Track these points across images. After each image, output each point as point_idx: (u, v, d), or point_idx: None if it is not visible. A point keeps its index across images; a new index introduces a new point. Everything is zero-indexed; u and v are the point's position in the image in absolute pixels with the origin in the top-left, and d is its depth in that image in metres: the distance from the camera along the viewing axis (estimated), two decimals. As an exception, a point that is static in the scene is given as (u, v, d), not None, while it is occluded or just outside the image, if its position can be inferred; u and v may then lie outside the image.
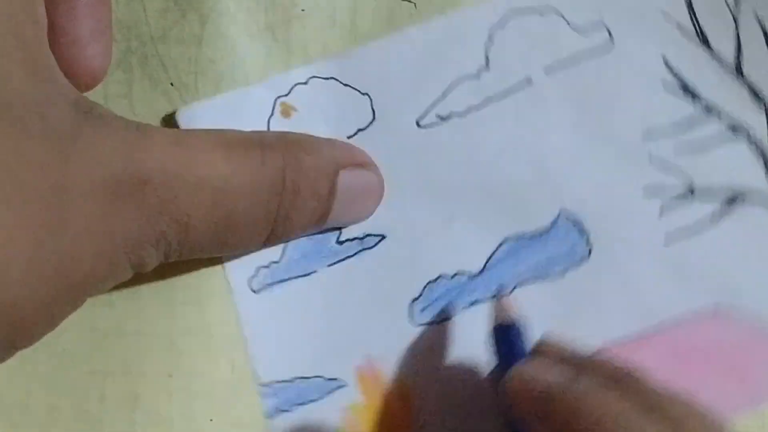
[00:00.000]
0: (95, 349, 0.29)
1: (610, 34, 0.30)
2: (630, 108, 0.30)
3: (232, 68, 0.30)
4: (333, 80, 0.30)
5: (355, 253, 0.30)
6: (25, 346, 0.23)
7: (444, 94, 0.30)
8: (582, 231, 0.30)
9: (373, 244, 0.30)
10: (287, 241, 0.30)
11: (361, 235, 0.30)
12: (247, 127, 0.29)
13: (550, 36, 0.30)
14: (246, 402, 0.29)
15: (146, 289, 0.29)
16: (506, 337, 0.28)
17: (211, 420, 0.29)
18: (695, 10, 0.29)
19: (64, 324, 0.24)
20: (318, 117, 0.30)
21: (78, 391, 0.29)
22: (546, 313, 0.29)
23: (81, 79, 0.27)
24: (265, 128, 0.30)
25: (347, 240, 0.30)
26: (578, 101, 0.30)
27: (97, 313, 0.29)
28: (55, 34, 0.26)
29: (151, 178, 0.24)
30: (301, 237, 0.30)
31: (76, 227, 0.23)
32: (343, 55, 0.30)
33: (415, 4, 0.30)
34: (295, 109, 0.30)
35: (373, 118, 0.30)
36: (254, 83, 0.30)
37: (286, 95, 0.30)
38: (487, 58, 0.30)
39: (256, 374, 0.29)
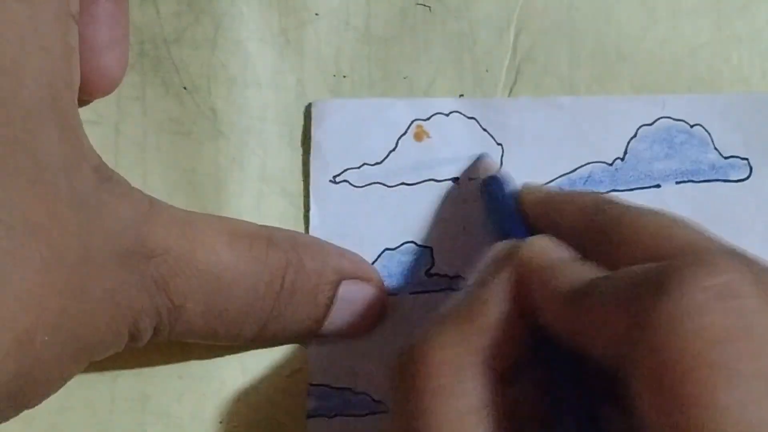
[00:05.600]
0: None
1: (750, 165, 0.30)
2: (758, 242, 0.30)
3: (244, 72, 0.30)
4: (474, 121, 0.30)
5: (441, 290, 0.30)
6: (33, 407, 0.24)
7: (575, 170, 0.30)
8: None
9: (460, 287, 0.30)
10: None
11: (452, 274, 0.30)
12: (376, 138, 0.30)
13: (691, 148, 0.30)
14: (255, 404, 0.29)
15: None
16: (495, 188, 0.29)
17: (220, 422, 0.29)
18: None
19: None
20: (447, 151, 0.30)
21: (88, 392, 0.29)
22: None
23: (97, 86, 0.28)
24: (393, 145, 0.30)
25: (437, 275, 0.30)
26: (701, 219, 0.30)
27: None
28: None
29: (155, 253, 0.24)
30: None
31: (94, 295, 0.23)
32: (491, 100, 0.30)
33: (430, 7, 0.30)
34: (428, 136, 0.30)
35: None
36: (397, 98, 0.30)
37: (425, 120, 0.30)
38: (626, 152, 0.30)
39: (310, 374, 0.29)
